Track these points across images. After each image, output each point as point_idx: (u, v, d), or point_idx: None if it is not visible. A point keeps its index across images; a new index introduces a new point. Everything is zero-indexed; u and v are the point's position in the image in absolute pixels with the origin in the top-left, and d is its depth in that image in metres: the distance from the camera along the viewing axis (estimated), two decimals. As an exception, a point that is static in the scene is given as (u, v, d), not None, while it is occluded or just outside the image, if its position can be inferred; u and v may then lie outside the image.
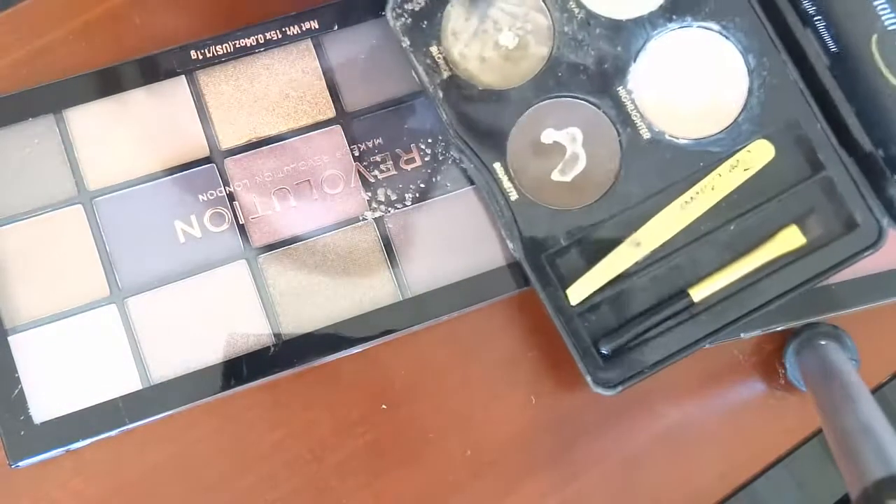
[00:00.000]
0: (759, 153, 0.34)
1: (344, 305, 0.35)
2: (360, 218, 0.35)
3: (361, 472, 0.35)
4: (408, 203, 0.36)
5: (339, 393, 0.35)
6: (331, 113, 0.36)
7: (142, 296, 0.34)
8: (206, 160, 0.35)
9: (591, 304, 0.34)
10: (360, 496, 0.35)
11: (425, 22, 0.35)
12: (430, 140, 0.36)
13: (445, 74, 0.34)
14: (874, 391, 0.37)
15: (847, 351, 0.35)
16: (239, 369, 0.34)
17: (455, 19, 0.35)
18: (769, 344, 0.37)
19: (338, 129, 0.36)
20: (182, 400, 0.33)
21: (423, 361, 0.36)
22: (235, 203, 0.35)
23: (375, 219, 0.35)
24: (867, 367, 0.35)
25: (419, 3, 0.35)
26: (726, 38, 0.35)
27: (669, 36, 0.35)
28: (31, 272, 0.34)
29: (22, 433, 0.33)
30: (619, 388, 0.33)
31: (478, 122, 0.34)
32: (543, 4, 0.35)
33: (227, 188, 0.35)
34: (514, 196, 0.34)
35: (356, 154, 0.36)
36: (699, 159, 0.34)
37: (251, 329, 0.34)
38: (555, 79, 0.34)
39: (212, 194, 0.35)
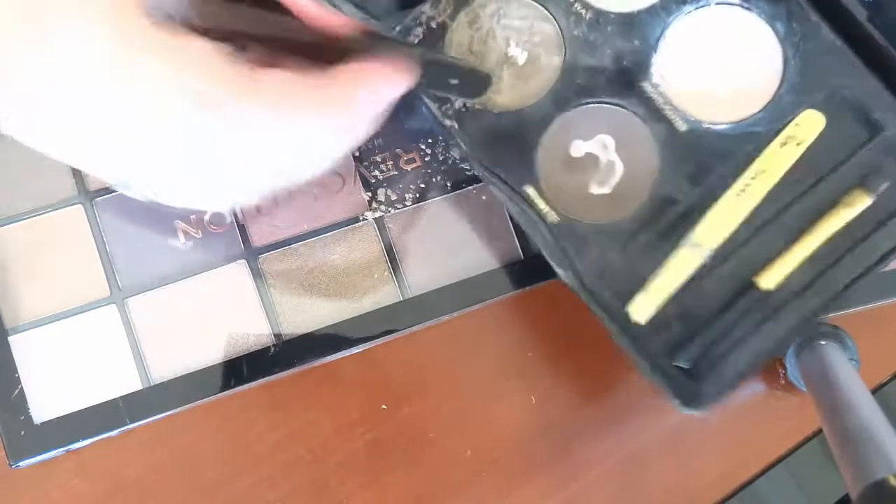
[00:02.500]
0: (809, 125, 0.31)
1: (344, 305, 0.35)
2: (361, 218, 0.35)
3: (361, 472, 0.35)
4: (408, 203, 0.36)
5: (339, 393, 0.35)
6: (331, 113, 0.36)
7: (142, 296, 0.34)
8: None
9: (659, 320, 0.30)
10: (361, 496, 0.35)
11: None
12: (430, 140, 0.36)
13: (457, 104, 0.32)
14: (874, 391, 0.37)
15: (847, 351, 0.35)
16: (239, 369, 0.34)
17: (457, 46, 0.33)
18: (769, 344, 0.37)
19: (338, 129, 0.36)
20: (182, 400, 0.33)
21: (423, 361, 0.36)
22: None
23: (376, 219, 0.35)
24: (867, 367, 0.35)
25: (417, 36, 0.33)
26: (748, 9, 0.32)
27: (687, 19, 0.32)
28: (32, 272, 0.34)
29: (22, 433, 0.33)
30: (709, 405, 0.29)
31: (500, 148, 0.32)
32: (547, 12, 0.33)
33: (227, 188, 0.35)
34: (553, 218, 0.31)
35: (356, 154, 0.36)
36: (745, 143, 0.31)
37: (251, 329, 0.34)
38: (573, 87, 0.32)
39: (212, 194, 0.35)
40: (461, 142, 0.32)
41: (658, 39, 0.32)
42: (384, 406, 0.36)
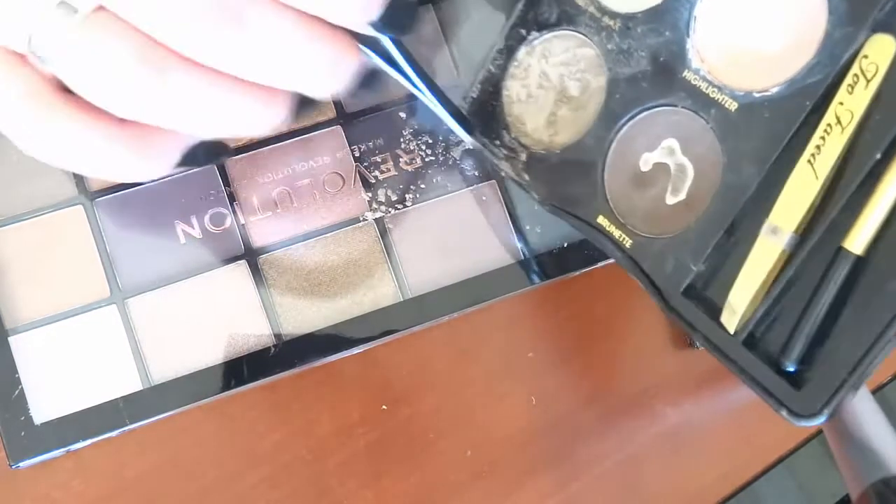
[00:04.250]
0: (878, 52, 0.25)
1: (344, 306, 0.35)
2: (361, 218, 0.35)
3: (362, 472, 0.35)
4: (408, 203, 0.36)
5: (339, 393, 0.35)
6: (331, 113, 0.36)
7: (142, 296, 0.34)
8: (207, 160, 0.35)
9: (752, 323, 0.27)
10: (361, 496, 0.35)
11: (488, 112, 0.34)
12: (430, 140, 0.36)
13: (524, 156, 0.32)
14: (874, 391, 0.37)
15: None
16: (239, 370, 0.34)
17: (516, 98, 0.33)
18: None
19: (338, 129, 0.36)
20: (182, 400, 0.33)
21: (423, 362, 0.36)
22: (236, 203, 0.35)
23: (376, 219, 0.35)
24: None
25: (471, 97, 0.34)
26: None
27: None
28: (32, 273, 0.34)
29: (22, 434, 0.33)
30: (827, 411, 0.25)
31: (569, 186, 0.31)
32: (583, 36, 0.32)
33: (227, 188, 0.35)
34: (629, 243, 0.30)
35: (356, 154, 0.36)
36: (803, 100, 0.27)
37: (251, 329, 0.34)
38: (619, 102, 0.31)
39: (212, 194, 0.35)
40: (534, 194, 0.32)
41: (688, 23, 0.29)
42: (384, 406, 0.36)
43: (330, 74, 0.23)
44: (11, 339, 0.33)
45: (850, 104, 0.25)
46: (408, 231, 0.36)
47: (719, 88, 0.28)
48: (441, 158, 0.36)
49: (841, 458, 0.30)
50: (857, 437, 0.29)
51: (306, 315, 0.35)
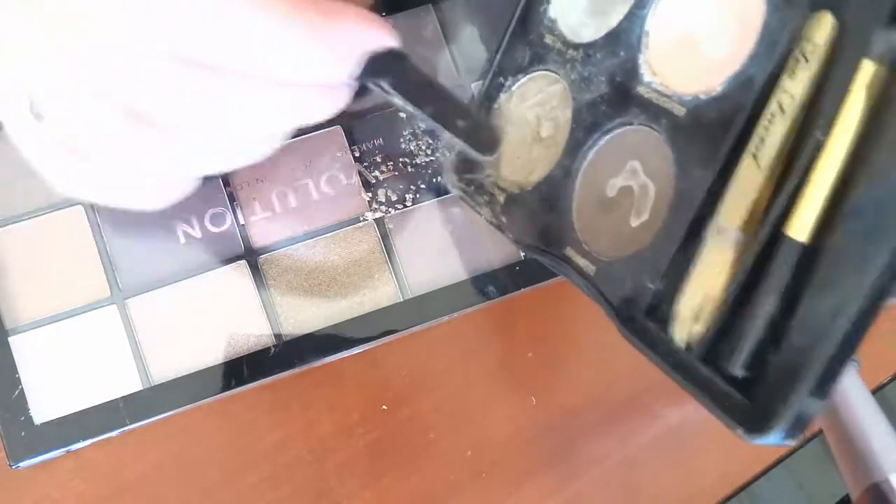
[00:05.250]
0: (817, 31, 0.23)
1: (344, 306, 0.35)
2: (361, 219, 0.35)
3: (362, 472, 0.35)
4: (408, 204, 0.36)
5: (339, 393, 0.35)
6: (331, 113, 0.36)
7: (142, 296, 0.34)
8: (207, 160, 0.35)
9: (704, 334, 0.24)
10: (361, 497, 0.35)
11: (470, 161, 0.33)
12: (430, 141, 0.36)
13: (502, 199, 0.32)
14: (874, 391, 0.37)
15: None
16: (239, 370, 0.34)
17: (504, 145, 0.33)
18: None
19: (338, 129, 0.36)
20: (182, 400, 0.33)
21: (423, 362, 0.36)
22: (236, 203, 0.35)
23: (376, 219, 0.35)
24: (867, 368, 0.35)
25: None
26: None
27: (660, 4, 0.29)
28: (32, 273, 0.34)
29: (22, 434, 0.33)
30: (781, 425, 0.21)
31: (539, 222, 0.31)
32: (553, 73, 0.31)
33: (227, 188, 0.35)
34: (592, 270, 0.28)
35: (357, 155, 0.36)
36: (746, 93, 0.25)
37: (251, 329, 0.34)
38: (582, 130, 0.30)
39: (212, 195, 0.35)
40: (509, 234, 0.32)
41: (640, 38, 0.29)
42: (384, 406, 0.36)
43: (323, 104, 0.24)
44: (11, 339, 0.33)
45: (792, 89, 0.24)
46: (408, 231, 0.36)
47: (669, 97, 0.27)
48: (441, 159, 0.36)
49: (841, 458, 0.30)
50: (857, 437, 0.29)
51: (306, 315, 0.35)
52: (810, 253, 0.22)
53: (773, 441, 0.21)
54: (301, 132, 0.36)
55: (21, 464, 0.32)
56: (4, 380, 0.33)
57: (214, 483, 0.34)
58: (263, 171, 0.35)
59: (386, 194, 0.36)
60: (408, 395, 0.36)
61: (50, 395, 0.33)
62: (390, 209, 0.35)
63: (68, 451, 0.33)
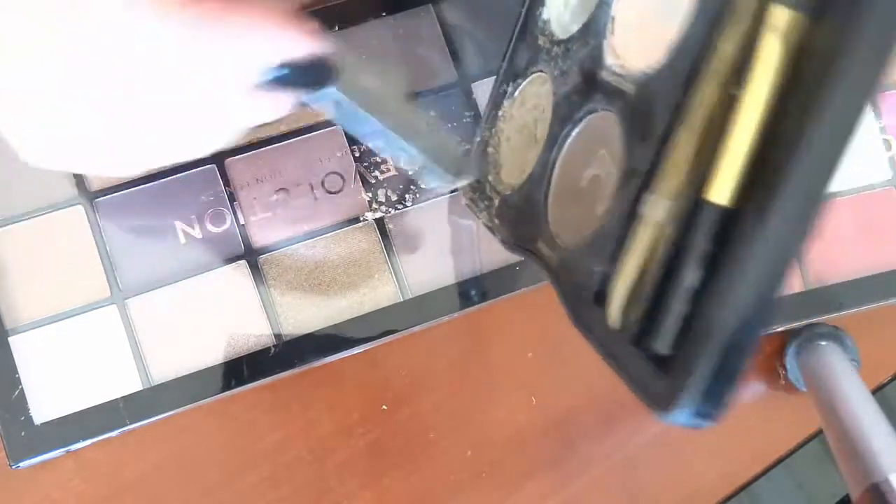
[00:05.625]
0: None
1: (344, 306, 0.35)
2: (361, 218, 0.35)
3: (361, 472, 0.35)
4: (408, 204, 0.36)
5: (339, 393, 0.35)
6: (331, 113, 0.36)
7: (142, 296, 0.34)
8: (207, 160, 0.35)
9: (637, 313, 0.22)
10: (361, 496, 0.35)
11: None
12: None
13: (497, 202, 0.32)
14: (874, 391, 0.37)
15: (847, 352, 0.35)
16: (239, 370, 0.34)
17: (498, 153, 0.33)
18: (769, 345, 0.37)
19: (338, 129, 0.36)
20: (182, 400, 0.33)
21: (423, 362, 0.36)
22: (236, 203, 0.35)
23: (376, 219, 0.35)
24: (867, 368, 0.35)
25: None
26: None
27: None
28: (32, 273, 0.34)
29: (22, 434, 0.33)
30: (688, 400, 0.19)
31: (520, 220, 0.30)
32: (544, 73, 0.31)
33: (227, 188, 0.35)
34: (555, 261, 0.27)
35: (356, 155, 0.36)
36: (684, 60, 0.23)
37: (251, 329, 0.34)
38: (559, 123, 0.29)
39: (212, 194, 0.35)
40: (497, 235, 0.31)
41: (606, 25, 0.28)
42: (384, 406, 0.36)
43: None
44: (11, 339, 0.33)
45: (723, 50, 0.22)
46: (408, 231, 0.36)
47: (623, 77, 0.26)
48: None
49: (841, 458, 0.30)
50: (857, 437, 0.29)
51: (306, 315, 0.35)
52: (733, 217, 0.20)
53: (683, 421, 0.19)
54: (301, 132, 0.36)
55: (21, 464, 0.32)
56: (4, 380, 0.33)
57: (214, 483, 0.34)
58: (263, 172, 0.35)
59: (386, 194, 0.36)
60: (408, 395, 0.36)
61: (50, 395, 0.33)
62: (390, 209, 0.35)
63: (68, 451, 0.33)
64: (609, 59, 0.28)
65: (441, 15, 0.37)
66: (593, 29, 0.29)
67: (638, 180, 0.23)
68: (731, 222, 0.20)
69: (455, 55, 0.37)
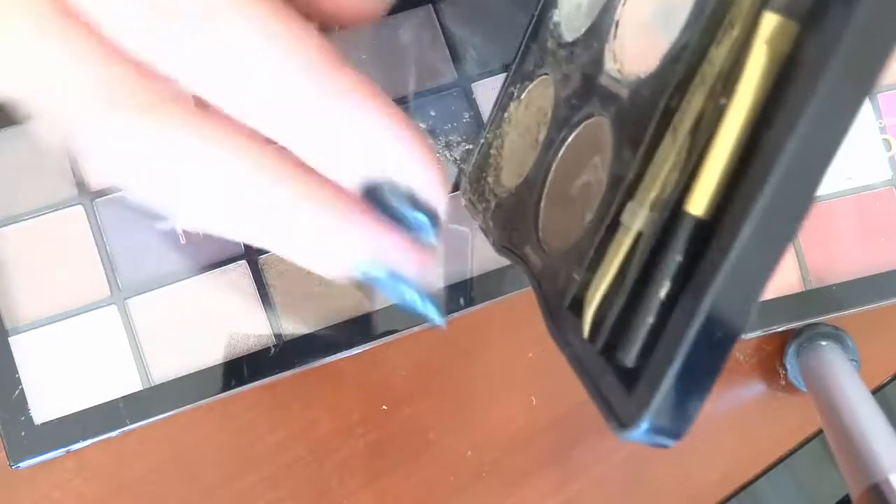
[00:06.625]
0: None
1: (345, 306, 0.35)
2: (361, 218, 0.35)
3: (361, 472, 0.35)
4: (408, 203, 0.36)
5: (339, 393, 0.35)
6: (331, 113, 0.36)
7: (142, 296, 0.34)
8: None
9: (609, 323, 0.21)
10: (361, 497, 0.35)
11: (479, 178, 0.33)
12: (430, 140, 0.36)
13: (493, 205, 0.31)
14: (874, 391, 0.37)
15: (847, 352, 0.35)
16: (239, 370, 0.34)
17: (500, 156, 0.33)
18: (769, 345, 0.37)
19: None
20: (182, 400, 0.33)
21: (423, 362, 0.36)
22: (236, 203, 0.35)
23: (376, 219, 0.35)
24: (867, 368, 0.35)
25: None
26: None
27: None
28: (32, 273, 0.34)
29: (22, 434, 0.33)
30: (647, 417, 0.18)
31: (513, 222, 0.29)
32: (549, 76, 0.31)
33: (227, 188, 0.35)
34: (538, 267, 0.26)
35: (356, 154, 0.36)
36: (675, 66, 0.22)
37: (252, 329, 0.34)
38: (556, 127, 0.29)
39: (212, 195, 0.35)
40: (489, 238, 0.31)
41: (609, 28, 0.27)
42: (384, 406, 0.36)
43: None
44: (11, 339, 0.33)
45: (715, 57, 0.21)
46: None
47: (619, 81, 0.25)
48: (441, 158, 0.36)
49: (841, 458, 0.30)
50: (857, 437, 0.29)
51: (306, 315, 0.35)
52: (707, 229, 0.19)
53: (639, 437, 0.18)
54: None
55: (21, 464, 0.32)
56: (4, 380, 0.33)
57: (214, 483, 0.34)
58: (263, 171, 0.35)
59: (386, 194, 0.36)
60: (408, 395, 0.36)
61: (50, 395, 0.33)
62: (390, 209, 0.35)
63: (68, 451, 0.33)
64: (609, 64, 0.27)
65: (441, 15, 0.37)
66: (597, 33, 0.28)
67: (623, 188, 0.23)
68: (707, 235, 0.19)
69: (455, 55, 0.37)
